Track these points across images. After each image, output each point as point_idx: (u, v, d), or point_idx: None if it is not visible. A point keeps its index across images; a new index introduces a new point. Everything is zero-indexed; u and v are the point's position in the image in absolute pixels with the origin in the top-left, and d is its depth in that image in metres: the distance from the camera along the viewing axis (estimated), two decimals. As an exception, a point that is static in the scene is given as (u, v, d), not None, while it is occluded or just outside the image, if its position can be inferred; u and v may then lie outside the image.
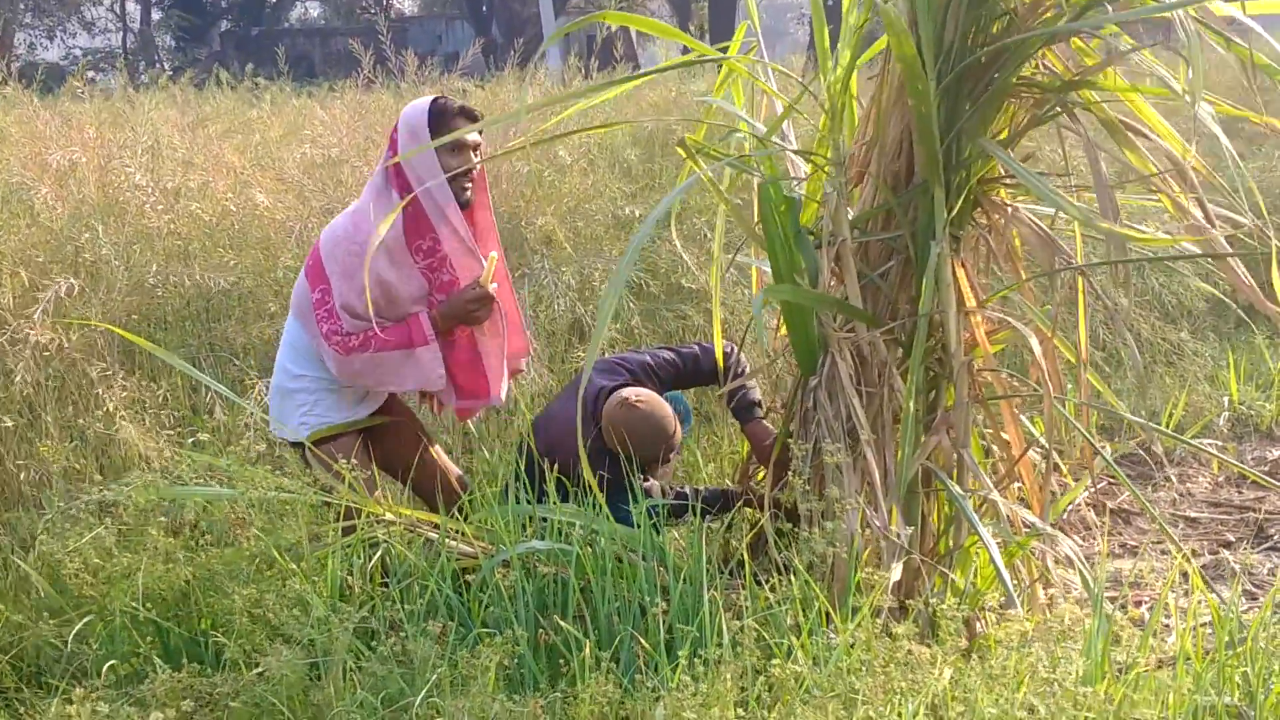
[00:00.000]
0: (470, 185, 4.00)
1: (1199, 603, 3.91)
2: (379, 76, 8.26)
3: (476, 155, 3.99)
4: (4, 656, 3.28)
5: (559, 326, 5.75)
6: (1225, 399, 6.59)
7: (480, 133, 4.01)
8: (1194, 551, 5.00)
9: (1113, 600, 4.23)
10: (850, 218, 3.86)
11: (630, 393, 4.18)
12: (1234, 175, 3.41)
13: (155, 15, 41.14)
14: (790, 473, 3.60)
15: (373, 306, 3.80)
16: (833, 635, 2.98)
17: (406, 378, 4.00)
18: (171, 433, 4.25)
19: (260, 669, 2.95)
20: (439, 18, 42.81)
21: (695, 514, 3.70)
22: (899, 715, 2.65)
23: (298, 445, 4.03)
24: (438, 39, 39.43)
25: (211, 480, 3.72)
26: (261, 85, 10.82)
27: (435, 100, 3.93)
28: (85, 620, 3.30)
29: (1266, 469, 5.94)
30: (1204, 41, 3.20)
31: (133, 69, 28.91)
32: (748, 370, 4.45)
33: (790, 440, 3.81)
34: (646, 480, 4.17)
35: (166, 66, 32.38)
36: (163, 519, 3.37)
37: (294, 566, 3.32)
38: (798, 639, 3.02)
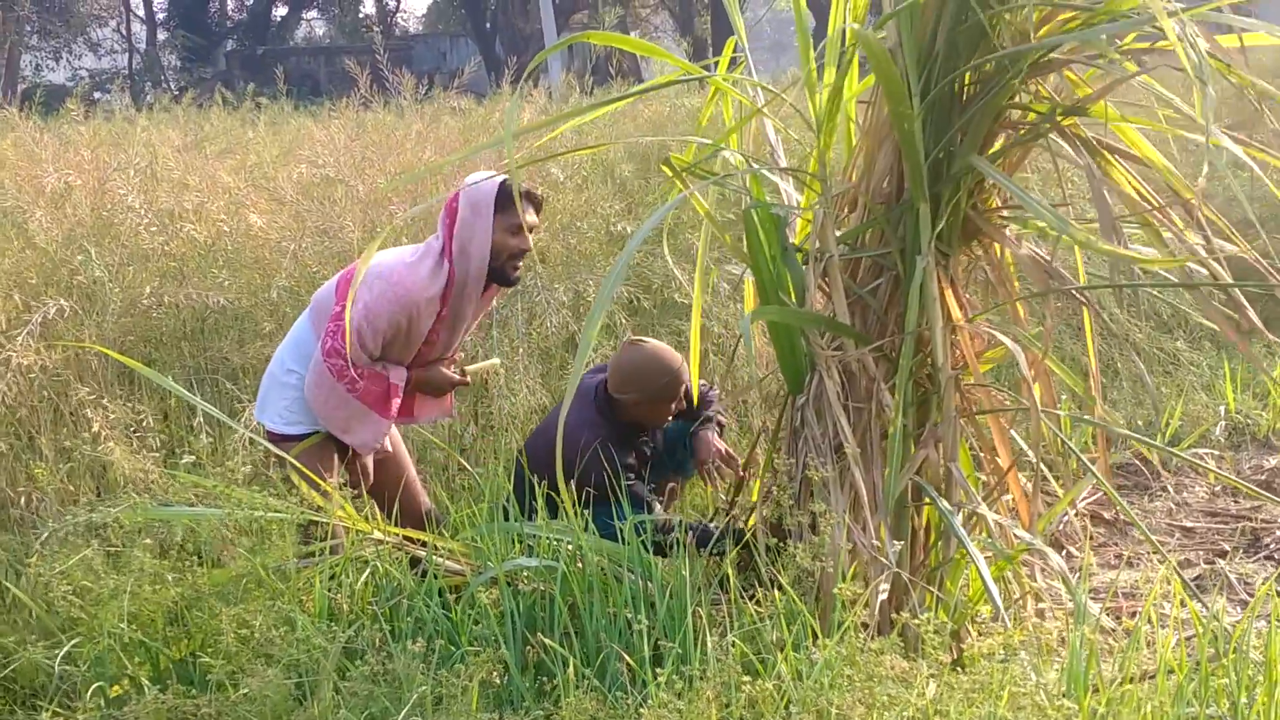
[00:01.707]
0: (520, 265, 4.14)
1: (1187, 615, 3.91)
2: (378, 96, 8.30)
3: (533, 236, 4.14)
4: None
5: (553, 344, 5.77)
6: (1222, 408, 6.58)
7: (537, 213, 4.20)
8: (1188, 561, 4.99)
9: (1108, 612, 4.23)
10: (839, 235, 3.87)
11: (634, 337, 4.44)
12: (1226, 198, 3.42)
13: (161, 36, 41.32)
14: (775, 488, 3.61)
15: (385, 348, 4.00)
16: (814, 650, 2.98)
17: (354, 430, 4.08)
18: (159, 454, 4.27)
19: (245, 690, 2.95)
20: (443, 36, 42.94)
21: (680, 529, 3.72)
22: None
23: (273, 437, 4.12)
24: (442, 56, 39.59)
25: (200, 501, 3.73)
26: (263, 105, 10.87)
27: (504, 181, 4.03)
28: (74, 642, 3.31)
29: (1263, 478, 5.93)
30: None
31: (138, 90, 29.04)
32: (717, 403, 4.52)
33: (776, 456, 3.82)
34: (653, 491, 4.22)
35: (172, 86, 32.51)
36: (148, 540, 3.38)
37: (280, 586, 3.33)
38: (781, 654, 3.03)
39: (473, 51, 37.86)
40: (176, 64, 39.90)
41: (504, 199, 3.99)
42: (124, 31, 41.30)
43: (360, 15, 43.72)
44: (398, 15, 45.58)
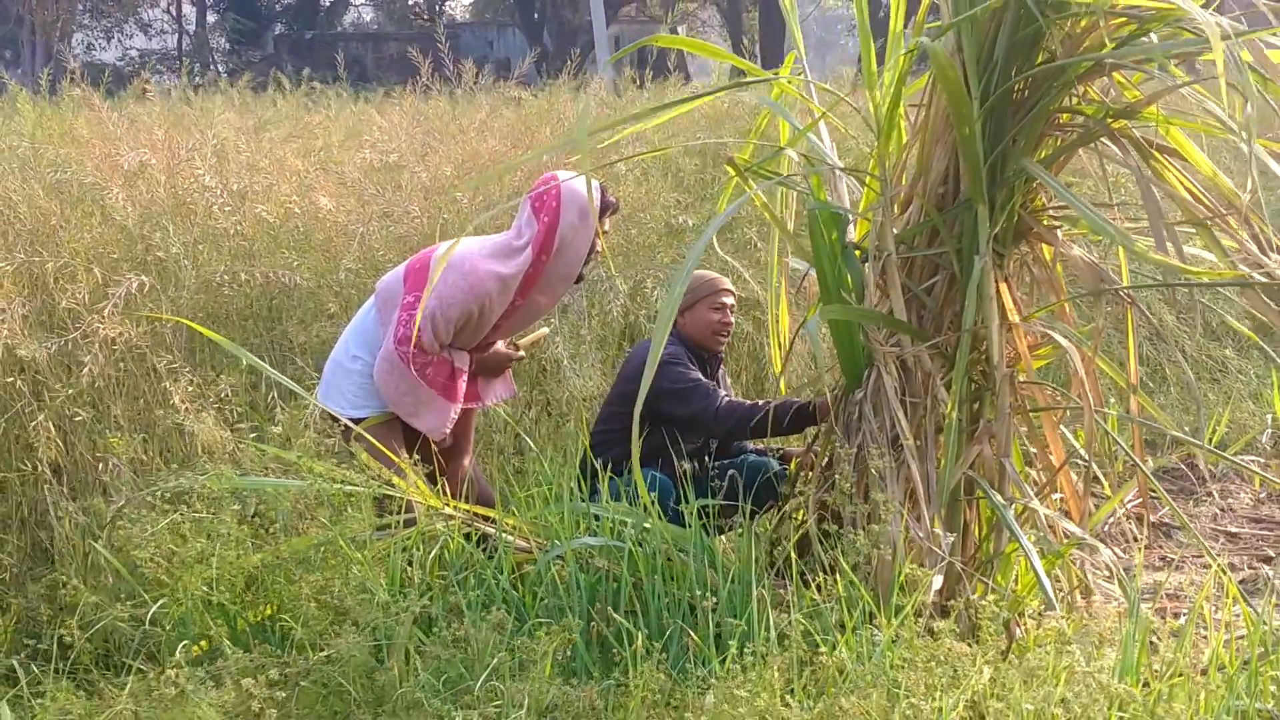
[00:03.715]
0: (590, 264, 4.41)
1: (1235, 615, 3.99)
2: (436, 84, 8.45)
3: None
4: (84, 634, 3.42)
5: (611, 331, 5.89)
6: (1269, 416, 6.63)
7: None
8: (1233, 566, 5.06)
9: (1154, 612, 4.30)
10: (896, 234, 3.97)
11: None
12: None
13: (210, 18, 41.60)
14: (838, 476, 3.71)
15: (457, 336, 4.15)
16: (877, 632, 3.09)
17: (422, 415, 4.22)
18: (241, 426, 4.41)
19: (328, 652, 3.09)
20: (491, 25, 43.06)
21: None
22: (940, 709, 2.76)
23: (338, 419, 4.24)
24: (489, 45, 39.68)
25: (278, 472, 3.87)
26: (318, 90, 11.01)
27: (605, 190, 4.30)
28: (159, 603, 3.44)
29: (1309, 486, 5.99)
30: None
31: (187, 71, 29.30)
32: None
33: (834, 446, 3.92)
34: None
35: (221, 69, 32.76)
36: (236, 506, 3.52)
37: (358, 556, 3.46)
38: (842, 636, 3.13)
39: (520, 41, 38.04)
40: (225, 46, 40.16)
41: (603, 211, 4.24)
42: (174, 12, 41.57)
43: (409, 2, 43.88)
44: (446, 3, 45.75)
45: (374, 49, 38.03)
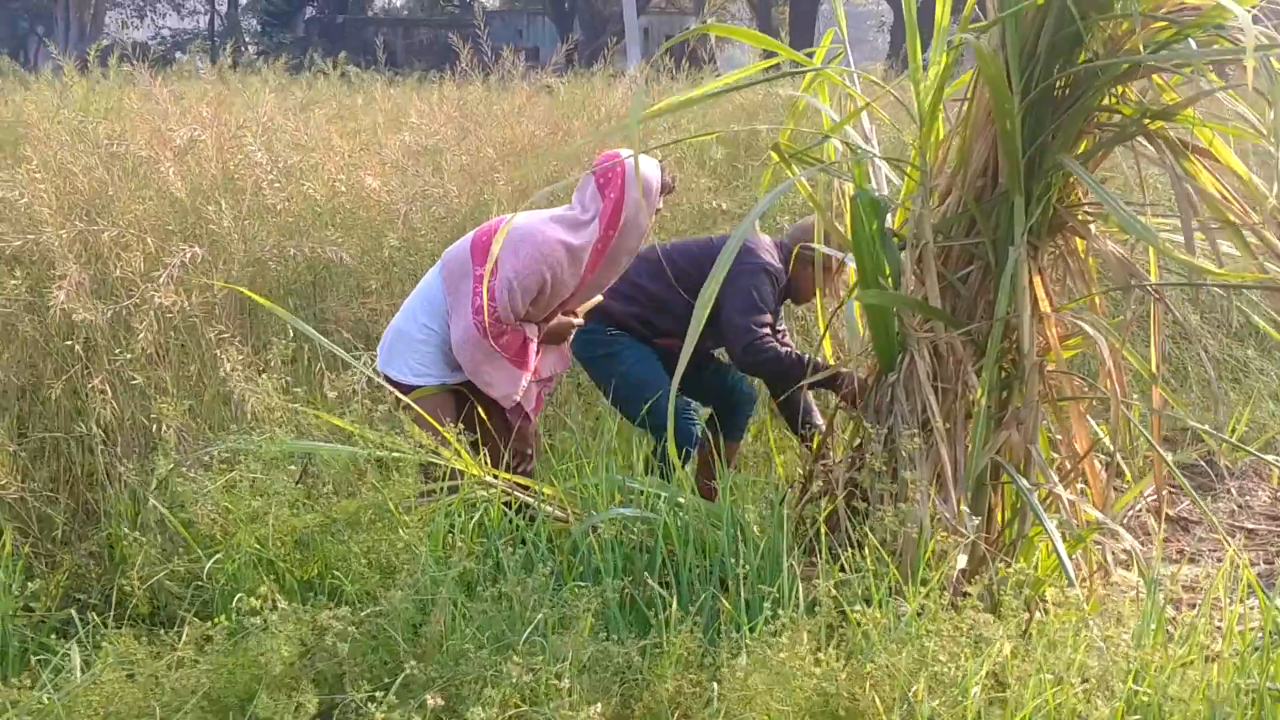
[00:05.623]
0: None
1: (1250, 607, 4.09)
2: (476, 70, 8.60)
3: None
4: (143, 586, 3.57)
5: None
6: (1289, 416, 6.73)
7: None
8: (1250, 561, 5.15)
9: (1169, 603, 4.41)
10: (934, 223, 4.08)
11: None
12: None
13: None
14: (870, 454, 3.82)
15: (529, 301, 4.29)
16: (903, 604, 3.21)
17: (497, 383, 4.36)
18: (299, 391, 4.56)
19: (379, 607, 3.23)
20: (521, 13, 43.21)
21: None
22: (965, 673, 2.88)
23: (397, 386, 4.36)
24: (518, 34, 39.84)
25: (330, 438, 4.01)
26: (353, 74, 11.16)
27: (664, 169, 4.51)
28: (214, 558, 3.58)
29: (1327, 486, 6.08)
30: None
31: (217, 52, 29.53)
32: None
33: (867, 426, 4.04)
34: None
35: (252, 50, 32.99)
36: (292, 467, 3.66)
37: (406, 519, 3.60)
38: (868, 607, 3.25)
39: (549, 29, 38.21)
40: (256, 28, 40.41)
41: (661, 192, 4.44)
42: (207, -7, 41.90)
43: (441, -12, 44.11)
44: (477, -10, 45.91)
45: (404, 34, 38.22)
